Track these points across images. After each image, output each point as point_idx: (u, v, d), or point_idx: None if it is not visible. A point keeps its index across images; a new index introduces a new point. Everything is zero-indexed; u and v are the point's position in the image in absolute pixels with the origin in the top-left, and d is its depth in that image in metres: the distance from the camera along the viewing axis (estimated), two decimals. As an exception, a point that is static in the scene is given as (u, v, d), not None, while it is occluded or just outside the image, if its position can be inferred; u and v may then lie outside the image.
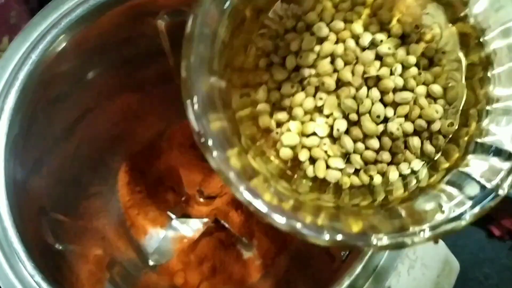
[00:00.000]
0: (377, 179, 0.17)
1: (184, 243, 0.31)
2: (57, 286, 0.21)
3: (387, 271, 0.20)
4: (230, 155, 0.15)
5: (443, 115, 0.17)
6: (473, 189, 0.16)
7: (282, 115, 0.18)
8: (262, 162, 0.17)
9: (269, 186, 0.16)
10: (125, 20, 0.24)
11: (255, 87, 0.18)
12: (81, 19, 0.22)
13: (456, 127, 0.17)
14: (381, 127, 0.17)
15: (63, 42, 0.23)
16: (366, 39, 0.17)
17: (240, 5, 0.17)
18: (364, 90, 0.17)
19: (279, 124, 0.18)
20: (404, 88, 0.17)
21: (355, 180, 0.18)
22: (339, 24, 0.18)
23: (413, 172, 0.18)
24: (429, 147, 0.17)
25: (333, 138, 0.18)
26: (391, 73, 0.17)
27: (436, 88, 0.17)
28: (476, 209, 0.15)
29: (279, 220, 0.14)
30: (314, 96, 0.18)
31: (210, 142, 0.15)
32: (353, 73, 0.17)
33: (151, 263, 0.31)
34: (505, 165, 0.15)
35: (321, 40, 0.18)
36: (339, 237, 0.14)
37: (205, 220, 0.31)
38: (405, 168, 0.17)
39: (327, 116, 0.18)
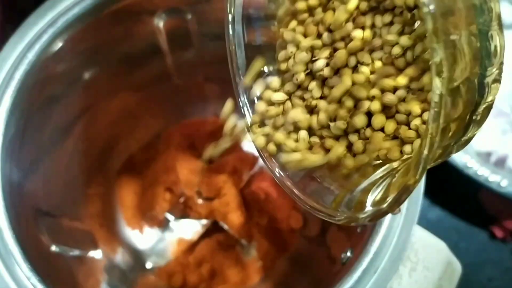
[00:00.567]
0: None
1: (183, 245, 0.31)
2: (53, 288, 0.21)
3: (388, 274, 0.19)
4: None
5: None
6: None
7: None
8: None
9: None
10: (122, 19, 0.24)
11: None
12: (78, 18, 0.22)
13: None
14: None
15: (60, 42, 0.22)
16: None
17: None
18: None
19: None
20: None
21: None
22: None
23: None
24: None
25: None
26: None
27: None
28: None
29: None
30: None
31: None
32: None
33: (149, 265, 0.30)
34: None
35: None
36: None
37: (204, 221, 0.31)
38: None
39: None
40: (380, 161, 0.16)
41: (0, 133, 0.21)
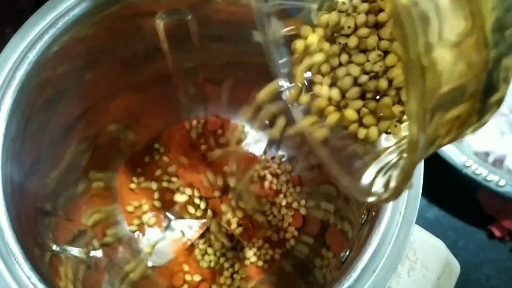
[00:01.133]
0: None
1: (183, 244, 0.31)
2: (54, 288, 0.21)
3: (387, 273, 0.19)
4: None
5: None
6: None
7: None
8: None
9: None
10: (123, 20, 0.24)
11: None
12: (79, 19, 0.22)
13: None
14: None
15: (61, 42, 0.22)
16: None
17: None
18: None
19: None
20: None
21: None
22: None
23: None
24: None
25: None
26: None
27: None
28: None
29: None
30: None
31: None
32: None
33: (149, 264, 0.30)
34: None
35: None
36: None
37: (204, 221, 0.31)
38: None
39: None
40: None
41: (1, 133, 0.21)
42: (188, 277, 0.31)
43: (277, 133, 0.22)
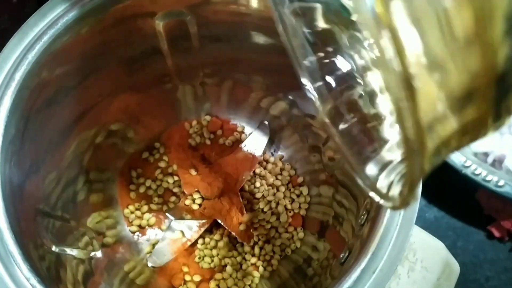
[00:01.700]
0: None
1: (183, 245, 0.31)
2: (54, 289, 0.21)
3: (387, 274, 0.19)
4: None
5: None
6: None
7: None
8: None
9: None
10: (122, 21, 0.24)
11: None
12: (78, 19, 0.22)
13: None
14: None
15: (60, 43, 0.22)
16: None
17: None
18: None
19: None
20: None
21: None
22: None
23: None
24: None
25: None
26: None
27: None
28: None
29: None
30: None
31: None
32: None
33: (149, 264, 0.30)
34: None
35: None
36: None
37: (204, 221, 0.31)
38: None
39: None
40: None
41: (0, 134, 0.21)
42: (187, 278, 0.31)
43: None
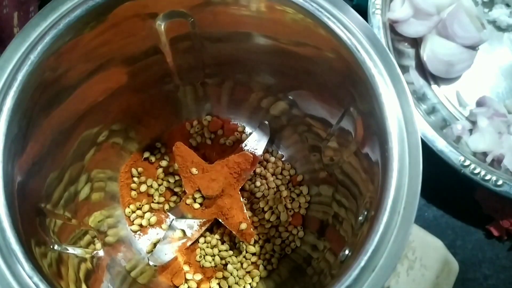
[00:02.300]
0: None
1: (184, 244, 0.31)
2: (56, 287, 0.21)
3: (386, 272, 0.20)
4: None
5: None
6: None
7: None
8: None
9: None
10: (124, 22, 0.24)
11: None
12: (80, 20, 0.22)
13: None
14: None
15: (62, 43, 0.22)
16: None
17: None
18: None
19: None
20: None
21: None
22: None
23: None
24: None
25: None
26: None
27: None
28: None
29: None
30: None
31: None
32: None
33: (150, 263, 0.31)
34: None
35: None
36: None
37: (205, 220, 0.31)
38: None
39: None
40: None
41: (3, 134, 0.21)
42: (189, 276, 0.31)
43: None
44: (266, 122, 0.33)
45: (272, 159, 0.34)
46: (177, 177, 0.33)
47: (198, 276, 0.31)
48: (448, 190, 0.36)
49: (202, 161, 0.32)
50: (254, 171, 0.33)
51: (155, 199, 0.33)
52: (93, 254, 0.28)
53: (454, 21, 0.36)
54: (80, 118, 0.27)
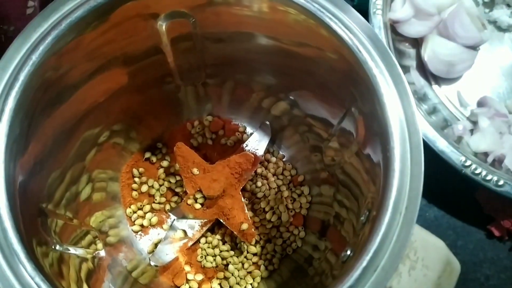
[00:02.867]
0: None
1: (185, 244, 0.31)
2: (57, 287, 0.21)
3: (388, 273, 0.20)
4: None
5: None
6: None
7: None
8: None
9: None
10: (125, 22, 0.24)
11: None
12: (81, 20, 0.22)
13: None
14: None
15: (64, 44, 0.22)
16: None
17: None
18: None
19: None
20: None
21: None
22: None
23: None
24: None
25: None
26: None
27: None
28: None
29: None
30: None
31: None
32: None
33: (152, 263, 0.31)
34: None
35: None
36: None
37: (206, 221, 0.31)
38: None
39: None
40: None
41: (4, 134, 0.21)
42: (190, 277, 0.31)
43: None
44: (267, 123, 0.33)
45: (273, 159, 0.34)
46: (178, 178, 0.33)
47: (199, 277, 0.31)
48: (449, 190, 0.36)
49: (203, 161, 0.32)
50: (255, 172, 0.33)
51: (156, 200, 0.33)
52: (94, 254, 0.28)
53: (455, 21, 0.36)
54: (82, 118, 0.27)
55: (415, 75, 0.37)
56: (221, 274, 0.31)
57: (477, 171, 0.32)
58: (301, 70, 0.28)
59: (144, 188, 0.33)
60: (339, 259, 0.25)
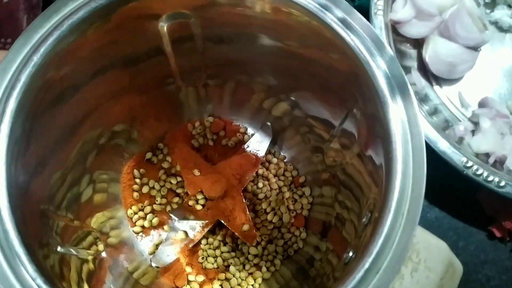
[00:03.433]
0: None
1: (186, 245, 0.31)
2: (59, 289, 0.21)
3: (390, 274, 0.19)
4: None
5: None
6: None
7: None
8: None
9: None
10: (127, 22, 0.24)
11: None
12: (83, 21, 0.22)
13: None
14: None
15: (65, 44, 0.22)
16: None
17: None
18: None
19: None
20: None
21: None
22: None
23: None
24: None
25: None
26: None
27: None
28: None
29: None
30: None
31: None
32: None
33: (153, 265, 0.31)
34: None
35: None
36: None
37: (207, 222, 0.31)
38: None
39: None
40: None
41: (6, 135, 0.21)
42: (191, 278, 0.31)
43: None
44: (269, 123, 0.33)
45: (275, 160, 0.34)
46: (179, 179, 0.33)
47: (201, 278, 0.31)
48: (450, 191, 0.36)
49: (204, 162, 0.32)
50: (257, 172, 0.33)
51: (157, 201, 0.33)
52: (95, 255, 0.28)
53: (456, 22, 0.36)
54: (83, 120, 0.27)
55: (416, 76, 0.37)
56: (222, 275, 0.31)
57: (479, 172, 0.32)
58: (302, 71, 0.28)
59: (145, 189, 0.33)
60: (340, 261, 0.25)
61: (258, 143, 0.33)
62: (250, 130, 0.34)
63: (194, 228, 0.31)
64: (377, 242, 0.20)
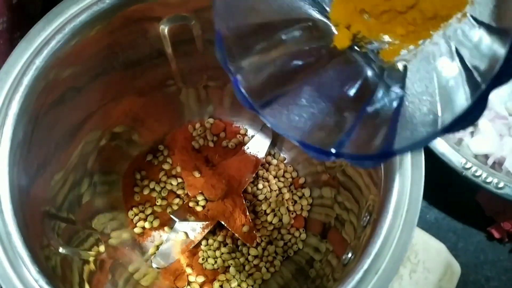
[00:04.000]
0: None
1: (186, 246, 0.31)
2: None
3: (389, 275, 0.20)
4: None
5: None
6: None
7: None
8: None
9: None
10: (128, 25, 0.24)
11: None
12: (85, 24, 0.23)
13: None
14: None
15: (67, 48, 0.23)
16: None
17: None
18: None
19: None
20: None
21: None
22: None
23: None
24: None
25: None
26: None
27: None
28: None
29: None
30: None
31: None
32: None
33: (153, 266, 0.31)
34: None
35: None
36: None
37: (207, 223, 0.31)
38: None
39: None
40: None
41: (8, 138, 0.21)
42: (191, 279, 0.31)
43: None
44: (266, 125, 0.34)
45: (275, 161, 0.34)
46: (179, 180, 0.33)
47: (201, 279, 0.31)
48: (449, 193, 0.36)
49: (204, 163, 0.32)
50: (257, 174, 0.33)
51: (157, 202, 0.33)
52: (96, 256, 0.28)
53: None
54: (84, 121, 0.27)
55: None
56: (222, 276, 0.31)
57: (478, 173, 0.32)
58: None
59: (146, 190, 0.33)
60: (340, 262, 0.25)
61: (258, 145, 0.33)
62: (250, 132, 0.34)
63: (194, 229, 0.31)
64: (376, 243, 0.20)
